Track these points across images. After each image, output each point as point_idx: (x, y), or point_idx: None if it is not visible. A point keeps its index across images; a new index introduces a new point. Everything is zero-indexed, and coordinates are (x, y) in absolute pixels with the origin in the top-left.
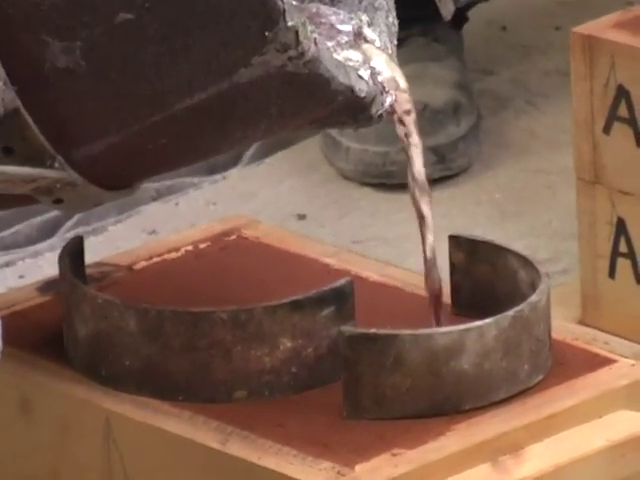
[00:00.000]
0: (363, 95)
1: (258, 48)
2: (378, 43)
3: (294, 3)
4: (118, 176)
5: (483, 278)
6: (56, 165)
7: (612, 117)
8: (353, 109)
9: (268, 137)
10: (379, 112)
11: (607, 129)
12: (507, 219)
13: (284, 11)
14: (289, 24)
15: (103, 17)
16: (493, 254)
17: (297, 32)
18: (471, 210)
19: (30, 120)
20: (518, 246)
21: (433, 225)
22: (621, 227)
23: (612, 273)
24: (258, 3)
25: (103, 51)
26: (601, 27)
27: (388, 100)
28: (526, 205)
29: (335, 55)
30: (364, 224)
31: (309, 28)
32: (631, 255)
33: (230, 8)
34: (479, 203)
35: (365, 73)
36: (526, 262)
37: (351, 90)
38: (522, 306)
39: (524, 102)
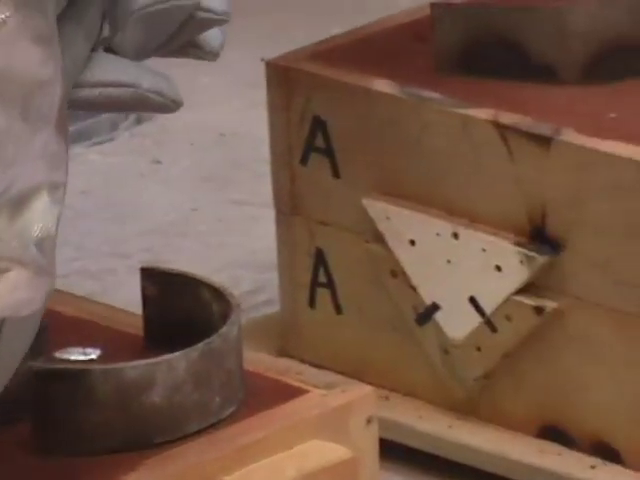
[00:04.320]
0: None
1: None
2: None
3: None
4: None
5: (177, 311)
6: None
7: (309, 148)
8: None
9: None
10: None
11: (304, 160)
12: (211, 250)
13: None
14: None
15: None
16: (186, 286)
17: None
18: (175, 244)
19: None
20: (222, 277)
21: None
22: (320, 257)
23: (312, 303)
24: None
25: None
26: (297, 58)
27: None
28: (230, 236)
29: None
30: (69, 258)
31: None
32: (330, 285)
33: None
34: (184, 235)
35: None
36: (219, 294)
37: None
38: (212, 338)
39: (218, 134)
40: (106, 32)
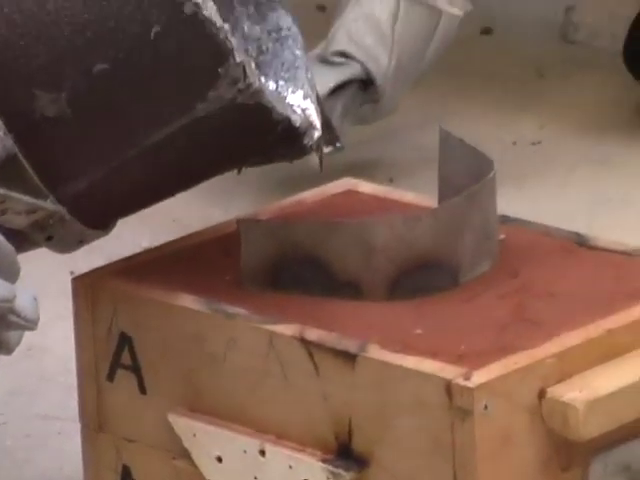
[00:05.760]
0: (297, 125)
1: (212, 83)
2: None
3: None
4: (98, 214)
5: None
6: (49, 201)
7: (116, 364)
8: (289, 139)
9: (223, 170)
10: (310, 143)
11: (111, 376)
12: (18, 466)
13: (232, 50)
14: (237, 60)
15: (83, 69)
16: None
17: (244, 67)
18: None
19: (26, 164)
20: None
21: None
22: (127, 475)
23: None
24: (210, 45)
25: (85, 98)
26: (104, 273)
27: (316, 134)
28: (38, 451)
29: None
30: None
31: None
32: None
33: (189, 51)
34: None
35: (297, 107)
36: None
37: (288, 120)
38: None
39: (25, 347)
40: None
